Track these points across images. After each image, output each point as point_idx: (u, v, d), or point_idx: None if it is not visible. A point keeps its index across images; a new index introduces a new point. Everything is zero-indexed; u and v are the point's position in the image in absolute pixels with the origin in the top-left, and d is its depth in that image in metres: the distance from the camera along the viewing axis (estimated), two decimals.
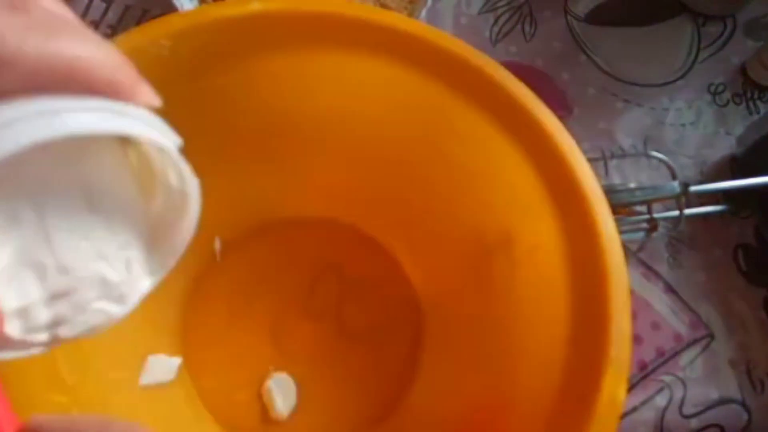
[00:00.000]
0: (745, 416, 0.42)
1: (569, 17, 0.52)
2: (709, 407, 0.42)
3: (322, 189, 0.39)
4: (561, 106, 0.49)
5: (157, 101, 0.16)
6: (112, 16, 0.48)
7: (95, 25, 0.48)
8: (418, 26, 0.31)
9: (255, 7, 0.30)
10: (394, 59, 0.32)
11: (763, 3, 0.53)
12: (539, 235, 0.30)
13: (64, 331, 0.17)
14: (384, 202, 0.39)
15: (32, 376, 0.29)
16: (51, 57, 0.13)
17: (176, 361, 0.37)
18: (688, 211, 0.43)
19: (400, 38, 0.31)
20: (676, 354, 0.38)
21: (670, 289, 0.40)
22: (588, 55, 0.51)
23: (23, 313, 0.15)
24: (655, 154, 0.45)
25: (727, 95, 0.50)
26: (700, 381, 0.42)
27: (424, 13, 0.45)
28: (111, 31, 0.48)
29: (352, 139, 0.36)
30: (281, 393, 0.37)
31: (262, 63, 0.32)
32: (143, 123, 0.15)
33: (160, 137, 0.15)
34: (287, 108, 0.35)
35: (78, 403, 0.30)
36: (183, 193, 0.17)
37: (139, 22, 0.48)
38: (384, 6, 0.46)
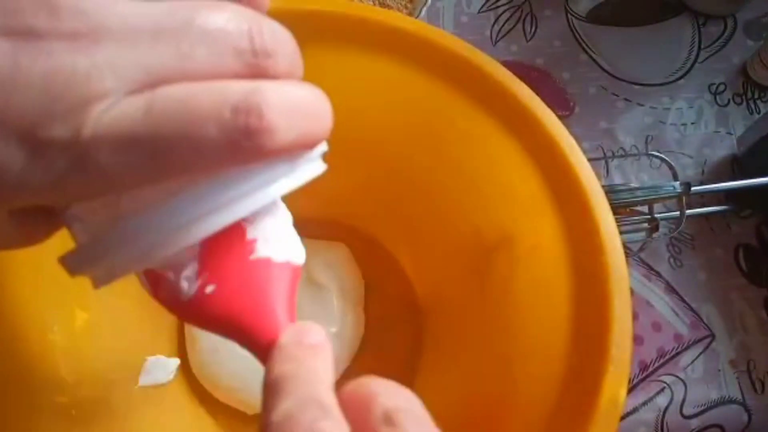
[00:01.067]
0: (745, 416, 0.42)
1: (570, 16, 0.52)
2: (709, 407, 0.42)
3: (321, 189, 0.39)
4: (562, 106, 0.49)
5: None
6: None
7: None
8: (418, 25, 0.31)
9: None
10: (393, 58, 0.31)
11: (763, 3, 0.53)
12: (539, 235, 0.30)
13: None
14: (383, 202, 0.39)
15: (32, 376, 0.29)
16: None
17: (175, 362, 0.37)
18: (689, 211, 0.43)
19: (400, 37, 0.31)
20: (677, 354, 0.38)
21: (671, 290, 0.40)
22: (589, 55, 0.51)
23: None
24: (656, 153, 0.45)
25: (727, 95, 0.50)
26: (701, 381, 0.42)
27: (424, 11, 0.45)
28: None
29: (351, 138, 0.36)
30: None
31: None
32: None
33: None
34: None
35: (77, 403, 0.30)
36: None
37: None
38: (384, 5, 0.46)
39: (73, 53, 0.14)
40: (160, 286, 0.17)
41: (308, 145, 0.17)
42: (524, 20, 0.52)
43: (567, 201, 0.29)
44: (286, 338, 0.17)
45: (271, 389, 0.16)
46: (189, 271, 0.17)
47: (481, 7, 0.52)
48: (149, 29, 0.14)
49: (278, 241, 0.18)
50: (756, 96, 0.50)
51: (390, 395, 0.18)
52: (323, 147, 0.19)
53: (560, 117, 0.30)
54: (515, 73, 0.30)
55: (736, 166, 0.48)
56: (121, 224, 0.16)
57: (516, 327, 0.31)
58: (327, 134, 0.18)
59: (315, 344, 0.17)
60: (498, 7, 0.52)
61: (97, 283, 0.17)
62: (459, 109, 0.32)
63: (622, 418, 0.41)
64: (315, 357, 0.17)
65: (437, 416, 0.34)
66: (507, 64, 0.31)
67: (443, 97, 0.32)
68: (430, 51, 0.31)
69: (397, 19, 0.31)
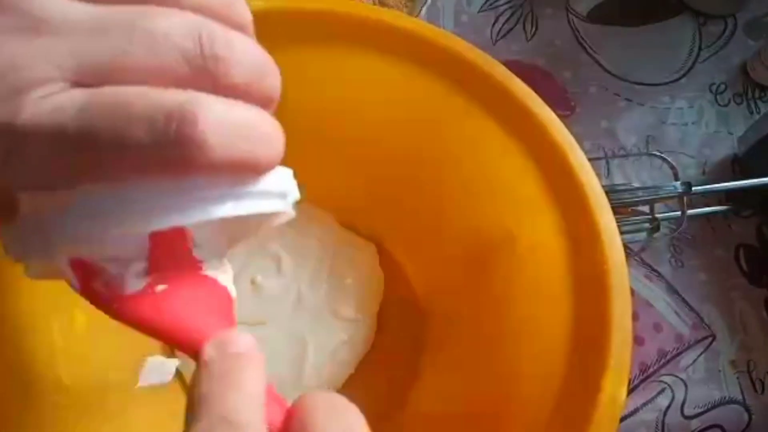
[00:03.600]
0: (745, 417, 0.42)
1: (570, 16, 0.52)
2: (710, 408, 0.42)
3: (320, 189, 0.39)
4: (562, 105, 0.49)
5: None
6: None
7: None
8: (417, 24, 0.31)
9: (254, 4, 0.30)
10: (393, 58, 0.31)
11: (764, 3, 0.53)
12: (540, 235, 0.30)
13: None
14: (383, 202, 0.39)
15: (32, 376, 0.29)
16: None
17: (174, 362, 0.37)
18: (690, 211, 0.43)
19: (400, 36, 0.31)
20: (677, 355, 0.38)
21: (672, 290, 0.40)
22: (589, 54, 0.51)
23: None
24: (657, 153, 0.45)
25: (728, 95, 0.50)
26: (702, 382, 0.42)
27: (424, 10, 0.45)
28: None
29: (351, 138, 0.36)
30: None
31: None
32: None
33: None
34: (286, 106, 0.34)
35: (76, 403, 0.30)
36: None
37: None
38: (384, 4, 0.45)
39: (13, 43, 0.14)
40: (94, 277, 0.17)
41: (249, 170, 0.16)
42: (525, 20, 0.52)
43: (567, 201, 0.29)
44: (209, 352, 0.17)
45: (187, 410, 0.16)
46: (137, 267, 0.17)
47: (482, 6, 0.52)
48: (90, 25, 0.15)
49: (224, 270, 0.19)
50: (756, 96, 0.50)
51: (331, 425, 0.16)
52: (294, 193, 0.19)
53: (561, 117, 0.30)
54: (515, 73, 0.30)
55: (736, 166, 0.48)
56: (69, 202, 0.15)
57: (516, 327, 0.31)
58: (273, 164, 0.17)
59: (239, 354, 0.17)
60: (498, 6, 0.52)
61: (31, 268, 0.17)
62: (459, 108, 0.32)
63: (623, 418, 0.40)
64: (240, 370, 0.16)
65: (439, 416, 0.34)
66: (507, 64, 0.30)
67: (443, 96, 0.32)
68: (430, 50, 0.31)
69: (397, 18, 0.31)
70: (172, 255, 0.18)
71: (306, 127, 0.36)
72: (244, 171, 0.16)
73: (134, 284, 0.17)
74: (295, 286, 0.39)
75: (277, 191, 0.18)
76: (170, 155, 0.14)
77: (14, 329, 0.29)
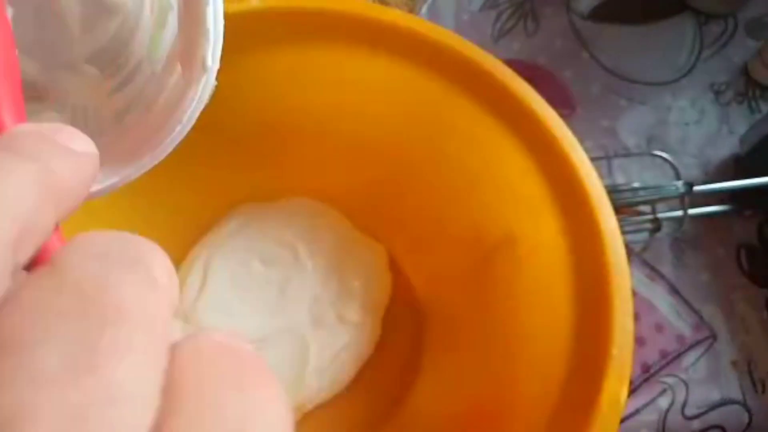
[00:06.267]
0: (746, 417, 0.42)
1: (571, 14, 0.52)
2: (710, 408, 0.42)
3: (320, 189, 0.39)
4: (563, 104, 0.49)
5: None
6: None
7: None
8: (418, 23, 0.31)
9: (254, 4, 0.30)
10: (394, 56, 0.31)
11: (764, 2, 0.53)
12: (541, 235, 0.30)
13: None
14: (384, 202, 0.39)
15: None
16: None
17: None
18: (691, 211, 0.43)
19: (400, 35, 0.31)
20: (679, 355, 0.38)
21: (673, 290, 0.40)
22: (590, 53, 0.51)
23: None
24: (659, 153, 0.45)
25: (729, 94, 0.50)
26: (703, 382, 0.42)
27: (424, 9, 0.45)
28: None
29: (351, 137, 0.36)
30: None
31: (261, 60, 0.32)
32: None
33: None
34: (285, 106, 0.34)
35: None
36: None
37: None
38: (384, 2, 0.45)
39: None
40: None
41: None
42: (526, 18, 0.52)
43: (568, 201, 0.29)
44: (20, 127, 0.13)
45: None
46: None
47: (483, 4, 0.52)
48: None
49: None
50: (757, 95, 0.50)
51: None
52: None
53: (562, 116, 0.30)
54: (516, 72, 0.30)
55: (738, 166, 0.48)
56: None
57: (517, 327, 0.31)
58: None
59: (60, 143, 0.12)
60: (499, 4, 0.52)
61: None
62: (460, 107, 0.31)
63: (624, 420, 0.40)
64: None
65: (439, 416, 0.34)
66: (508, 63, 0.30)
67: (444, 95, 0.32)
68: (430, 49, 0.31)
69: (397, 16, 0.31)
70: None
71: (305, 127, 0.36)
72: None
73: None
74: (310, 287, 0.38)
75: None
76: None
77: None
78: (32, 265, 0.12)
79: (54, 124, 0.13)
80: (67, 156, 0.12)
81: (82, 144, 0.13)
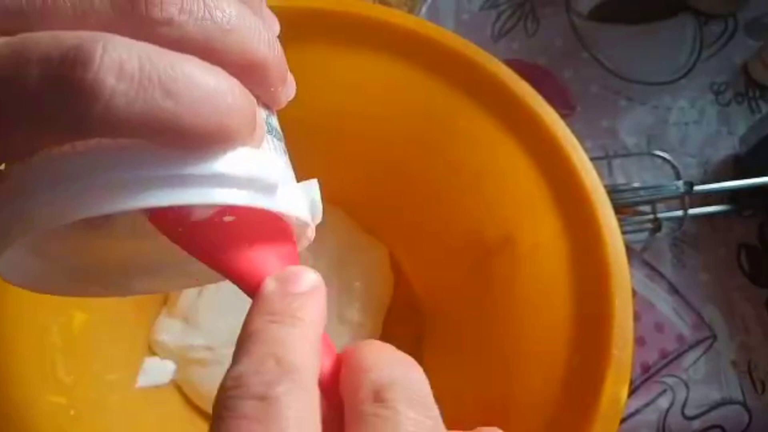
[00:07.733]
0: (745, 417, 0.42)
1: (571, 14, 0.52)
2: (710, 408, 0.42)
3: (321, 188, 0.39)
4: (563, 104, 0.49)
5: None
6: None
7: None
8: (418, 23, 0.31)
9: None
10: (393, 56, 0.31)
11: (764, 2, 0.53)
12: (541, 235, 0.30)
13: None
14: (383, 201, 0.39)
15: (29, 377, 0.28)
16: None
17: (172, 363, 0.37)
18: (691, 211, 0.43)
19: (400, 35, 0.31)
20: (679, 355, 0.38)
21: (673, 290, 0.40)
22: (590, 53, 0.51)
23: None
24: (659, 153, 0.45)
25: (729, 94, 0.50)
26: (703, 382, 0.42)
27: (424, 9, 0.45)
28: None
29: (351, 137, 0.36)
30: None
31: None
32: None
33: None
34: (286, 106, 0.34)
35: (75, 403, 0.30)
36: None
37: None
38: (384, 2, 0.45)
39: None
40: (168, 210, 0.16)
41: (175, 139, 0.13)
42: (526, 18, 0.52)
43: (569, 201, 0.29)
44: (269, 286, 0.15)
45: (237, 345, 0.14)
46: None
47: (482, 4, 0.52)
48: None
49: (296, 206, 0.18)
50: (757, 95, 0.50)
51: (384, 366, 0.15)
52: (316, 206, 0.19)
53: (562, 116, 0.30)
54: (516, 72, 0.30)
55: (738, 166, 0.48)
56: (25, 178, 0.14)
57: (517, 327, 0.31)
58: (222, 137, 0.13)
59: (300, 293, 0.15)
60: (499, 5, 0.52)
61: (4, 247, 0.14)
62: (460, 107, 0.31)
63: (624, 419, 0.40)
64: (298, 309, 0.15)
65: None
66: (508, 63, 0.30)
67: (444, 95, 0.32)
68: (430, 49, 0.31)
69: (397, 16, 0.31)
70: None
71: (305, 127, 0.36)
72: (174, 140, 0.13)
73: (202, 213, 0.16)
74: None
75: (246, 176, 0.15)
76: (64, 104, 0.11)
77: (13, 329, 0.28)
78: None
79: (292, 271, 0.16)
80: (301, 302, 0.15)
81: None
